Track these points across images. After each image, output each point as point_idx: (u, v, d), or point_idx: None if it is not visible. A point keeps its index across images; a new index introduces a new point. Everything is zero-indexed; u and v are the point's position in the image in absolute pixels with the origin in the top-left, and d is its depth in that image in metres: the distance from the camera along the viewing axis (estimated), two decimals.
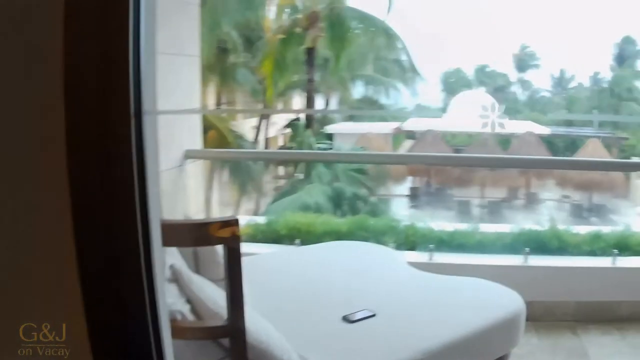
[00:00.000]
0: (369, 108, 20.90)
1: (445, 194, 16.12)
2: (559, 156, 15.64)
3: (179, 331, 1.50)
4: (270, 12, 13.72)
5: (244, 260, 1.51)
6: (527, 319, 2.17)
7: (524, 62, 29.09)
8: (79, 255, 0.78)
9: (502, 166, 12.55)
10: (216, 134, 9.83)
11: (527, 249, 3.29)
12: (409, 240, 3.65)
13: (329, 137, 17.41)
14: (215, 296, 1.64)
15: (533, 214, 15.25)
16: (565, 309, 3.23)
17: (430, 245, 3.34)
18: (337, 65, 13.38)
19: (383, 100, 22.00)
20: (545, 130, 18.56)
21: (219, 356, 1.61)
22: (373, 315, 1.98)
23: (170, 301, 1.53)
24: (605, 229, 3.64)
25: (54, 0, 0.76)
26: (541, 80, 29.79)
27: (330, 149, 10.63)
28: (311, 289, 2.25)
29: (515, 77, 29.48)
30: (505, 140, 18.97)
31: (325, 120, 18.52)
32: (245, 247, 1.66)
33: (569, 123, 23.85)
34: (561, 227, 3.67)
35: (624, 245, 3.41)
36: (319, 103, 16.22)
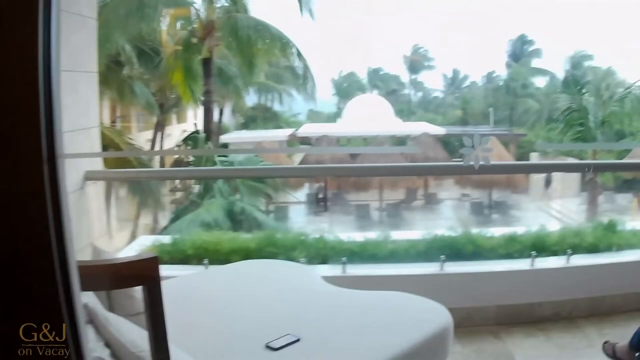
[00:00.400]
0: (263, 115, 20.80)
1: (343, 198, 16.21)
2: (456, 156, 16.21)
3: None
4: (164, 24, 13.63)
5: None
6: None
7: (417, 63, 30.25)
8: None
9: (406, 174, 12.78)
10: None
11: (442, 256, 3.22)
12: (320, 253, 3.54)
13: (225, 146, 17.00)
14: (134, 337, 1.53)
15: (433, 214, 15.71)
16: (485, 314, 3.16)
17: (343, 258, 3.23)
18: (233, 74, 13.18)
19: (277, 107, 21.94)
20: (440, 130, 19.30)
21: None
22: (297, 340, 1.87)
23: (89, 346, 1.31)
24: (520, 231, 3.67)
25: None
26: (434, 81, 31.21)
27: (231, 162, 10.26)
28: (228, 316, 2.11)
29: (408, 78, 30.60)
30: (401, 142, 19.53)
31: (221, 130, 18.11)
32: None
33: (464, 122, 25.09)
34: (474, 231, 3.67)
35: (540, 246, 3.43)
36: (214, 113, 15.78)
